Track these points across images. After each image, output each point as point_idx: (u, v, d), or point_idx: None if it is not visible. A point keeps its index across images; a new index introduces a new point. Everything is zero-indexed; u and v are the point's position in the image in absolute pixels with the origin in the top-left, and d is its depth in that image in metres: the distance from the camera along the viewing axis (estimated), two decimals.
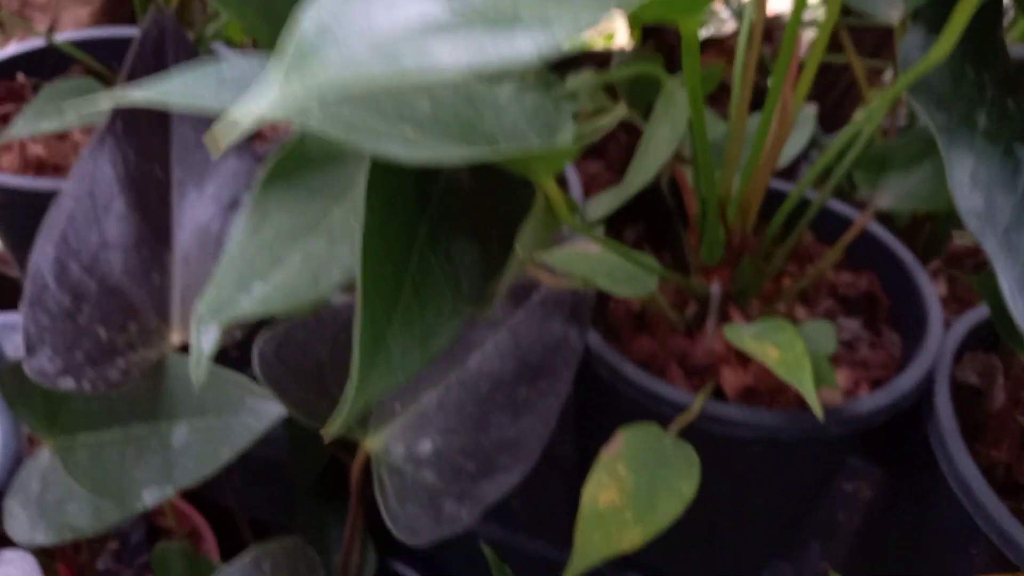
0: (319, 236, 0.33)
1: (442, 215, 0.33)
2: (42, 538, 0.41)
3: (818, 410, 0.33)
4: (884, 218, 0.63)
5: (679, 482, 0.36)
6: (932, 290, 0.46)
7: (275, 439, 0.61)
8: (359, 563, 0.52)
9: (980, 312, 0.46)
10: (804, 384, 0.34)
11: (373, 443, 0.39)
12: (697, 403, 0.39)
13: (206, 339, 0.30)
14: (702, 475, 0.44)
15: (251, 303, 0.30)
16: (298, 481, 0.56)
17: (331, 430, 0.28)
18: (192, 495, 0.63)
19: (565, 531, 0.57)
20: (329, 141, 0.35)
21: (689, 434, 0.38)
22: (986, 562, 0.39)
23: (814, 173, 0.38)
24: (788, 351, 0.36)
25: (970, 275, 0.39)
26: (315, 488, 0.55)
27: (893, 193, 0.40)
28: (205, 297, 0.30)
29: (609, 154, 0.72)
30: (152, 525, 0.63)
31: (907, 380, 0.41)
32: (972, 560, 0.40)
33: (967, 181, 0.32)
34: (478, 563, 0.58)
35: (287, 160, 0.34)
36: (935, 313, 0.45)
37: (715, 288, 0.42)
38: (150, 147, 0.44)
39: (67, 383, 0.38)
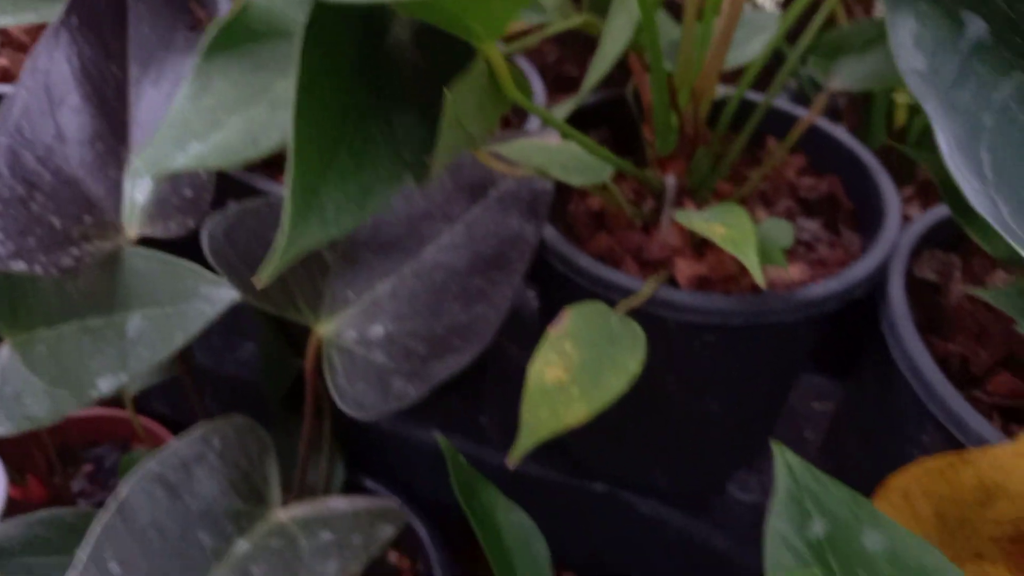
0: (261, 105, 0.33)
1: (383, 82, 0.33)
2: (1, 429, 0.41)
3: (759, 278, 0.33)
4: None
5: (624, 357, 0.36)
6: (892, 190, 0.46)
7: (245, 360, 0.62)
8: (328, 471, 0.52)
9: (939, 212, 0.46)
10: (747, 255, 0.34)
11: (325, 329, 0.39)
12: (647, 287, 0.39)
13: (139, 191, 0.30)
14: (658, 370, 0.44)
15: (187, 159, 0.30)
16: (269, 398, 0.56)
17: (263, 277, 0.28)
18: (165, 419, 0.64)
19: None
20: (273, 13, 0.35)
21: (641, 320, 0.38)
22: (938, 447, 0.39)
23: (764, 57, 0.38)
24: (734, 228, 0.36)
25: (919, 152, 0.39)
26: (285, 403, 0.55)
27: (847, 76, 0.40)
28: (141, 154, 0.30)
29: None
30: (127, 448, 0.64)
31: (860, 269, 0.41)
32: (924, 447, 0.40)
33: (909, 42, 0.32)
34: (445, 482, 0.58)
35: (229, 31, 0.34)
36: (893, 209, 0.45)
37: (670, 180, 0.42)
38: (106, 44, 0.44)
39: (19, 266, 0.38)
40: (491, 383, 0.59)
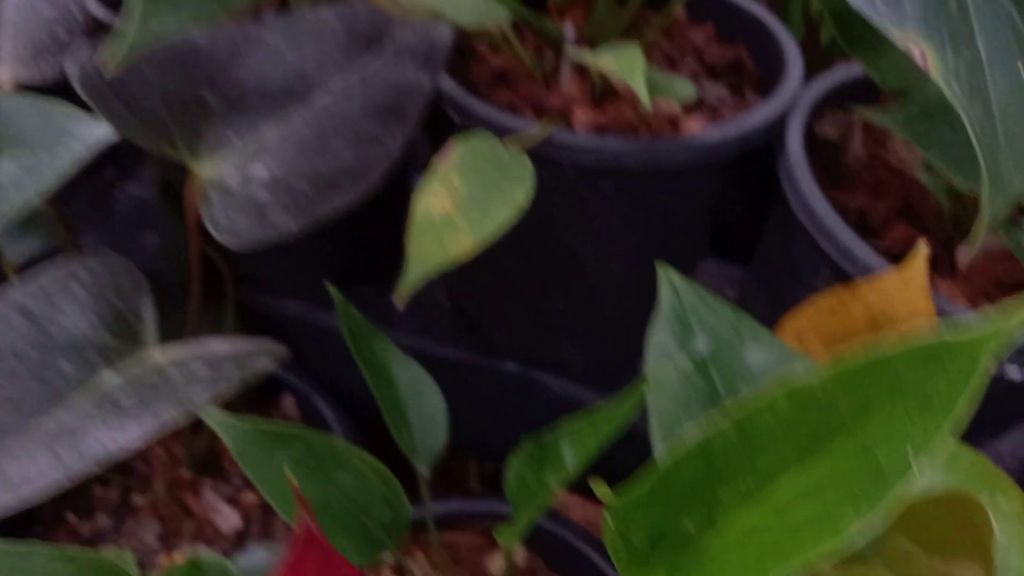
0: None
1: None
2: None
3: (643, 95, 0.33)
4: None
5: (512, 188, 0.35)
6: (796, 52, 0.46)
7: (147, 249, 0.60)
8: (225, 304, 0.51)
9: (842, 72, 0.46)
10: (634, 78, 0.34)
11: (204, 169, 0.37)
12: (541, 128, 0.38)
13: None
14: (560, 227, 0.44)
15: None
16: (170, 281, 0.54)
17: (110, 62, 0.27)
18: None
19: (445, 327, 0.57)
20: None
21: (538, 167, 0.37)
22: (830, 285, 0.39)
23: None
24: (624, 59, 0.36)
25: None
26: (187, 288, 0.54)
27: None
28: None
29: None
30: None
31: (757, 116, 0.41)
32: (819, 290, 0.40)
33: None
34: (355, 371, 0.57)
35: None
36: (795, 67, 0.44)
37: (568, 28, 0.41)
38: None
39: None
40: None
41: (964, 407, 0.18)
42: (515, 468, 0.35)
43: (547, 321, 0.51)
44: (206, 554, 0.28)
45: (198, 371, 0.33)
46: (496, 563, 0.52)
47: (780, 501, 0.21)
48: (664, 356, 0.31)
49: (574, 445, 0.31)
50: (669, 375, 0.31)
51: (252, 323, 0.55)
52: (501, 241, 0.48)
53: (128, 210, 0.60)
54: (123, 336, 0.35)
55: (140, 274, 0.37)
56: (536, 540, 0.53)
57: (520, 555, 0.52)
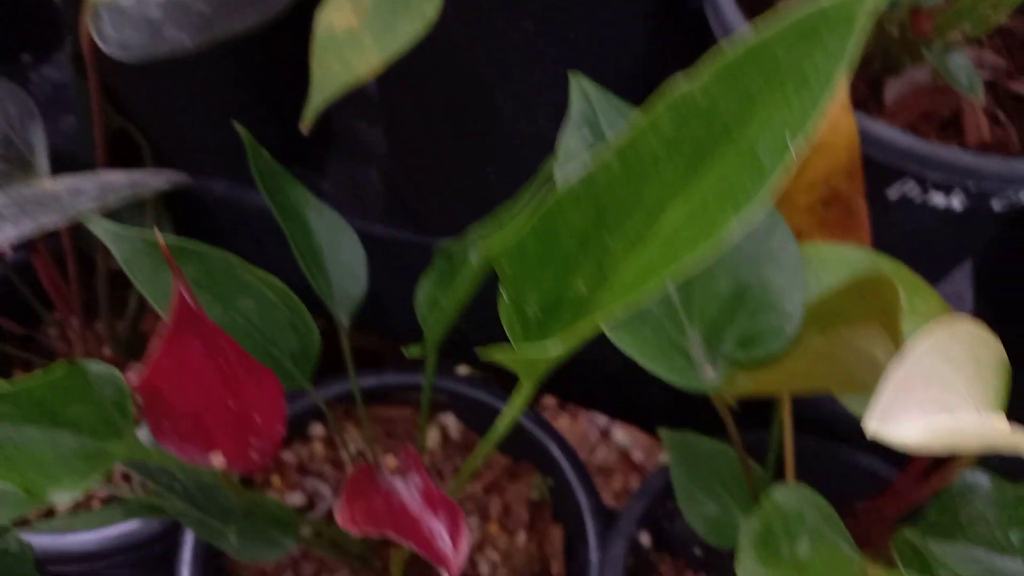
0: None
1: None
2: None
3: None
4: None
5: (421, 1, 0.34)
6: None
7: (67, 131, 0.57)
8: None
9: None
10: None
11: None
12: None
13: None
14: (483, 77, 0.42)
15: None
16: (87, 163, 0.52)
17: None
18: None
19: (378, 207, 0.56)
20: None
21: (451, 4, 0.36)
22: None
23: None
24: None
25: None
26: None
27: None
28: None
29: None
30: None
31: None
32: None
33: None
34: (285, 253, 0.56)
35: None
36: None
37: None
38: None
39: None
40: (335, 155, 0.57)
41: (840, 78, 0.17)
42: (425, 289, 0.33)
43: (479, 193, 0.50)
44: (95, 363, 0.27)
45: (85, 187, 0.31)
46: (431, 437, 0.51)
47: (668, 232, 0.20)
48: (574, 160, 0.30)
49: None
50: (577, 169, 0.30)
51: (176, 203, 0.53)
52: (429, 102, 0.47)
53: (45, 94, 0.58)
54: (13, 163, 0.33)
55: (30, 101, 0.35)
56: (472, 414, 0.52)
57: (456, 429, 0.51)
